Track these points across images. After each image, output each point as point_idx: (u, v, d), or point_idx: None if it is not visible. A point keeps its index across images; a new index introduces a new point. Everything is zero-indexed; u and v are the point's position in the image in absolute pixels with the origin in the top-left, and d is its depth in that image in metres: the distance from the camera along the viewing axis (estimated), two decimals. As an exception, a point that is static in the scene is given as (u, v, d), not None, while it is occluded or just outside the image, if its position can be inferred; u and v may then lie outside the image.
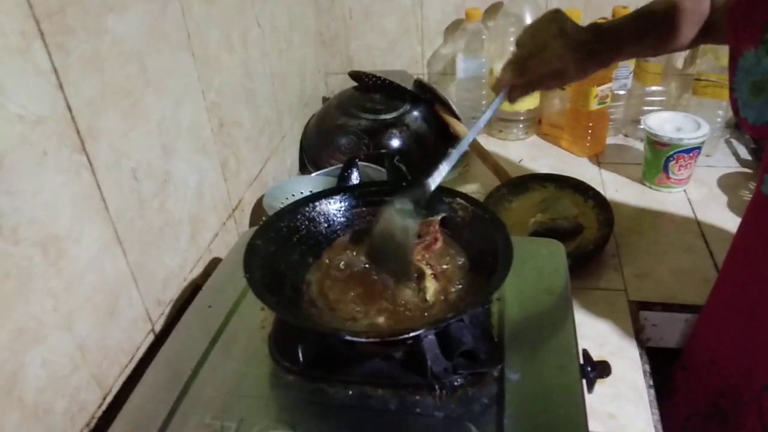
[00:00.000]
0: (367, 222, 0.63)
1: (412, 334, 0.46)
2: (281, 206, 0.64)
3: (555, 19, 0.68)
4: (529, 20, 1.11)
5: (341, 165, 0.72)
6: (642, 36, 0.69)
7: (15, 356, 0.47)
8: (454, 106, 1.11)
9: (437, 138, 1.12)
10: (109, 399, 0.59)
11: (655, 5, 0.69)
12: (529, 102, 1.17)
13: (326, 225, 0.63)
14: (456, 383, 0.50)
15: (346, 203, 0.64)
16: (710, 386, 0.69)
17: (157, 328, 0.68)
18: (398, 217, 0.55)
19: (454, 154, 0.61)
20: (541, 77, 0.69)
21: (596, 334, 0.74)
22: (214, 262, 0.80)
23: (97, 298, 0.57)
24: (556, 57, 0.67)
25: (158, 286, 0.68)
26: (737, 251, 0.64)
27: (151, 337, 0.66)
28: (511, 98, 0.70)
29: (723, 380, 0.67)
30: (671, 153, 0.97)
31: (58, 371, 0.52)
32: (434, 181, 0.60)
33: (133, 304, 0.63)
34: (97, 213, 0.57)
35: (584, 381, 0.57)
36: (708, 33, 0.68)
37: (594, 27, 0.69)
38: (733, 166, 1.08)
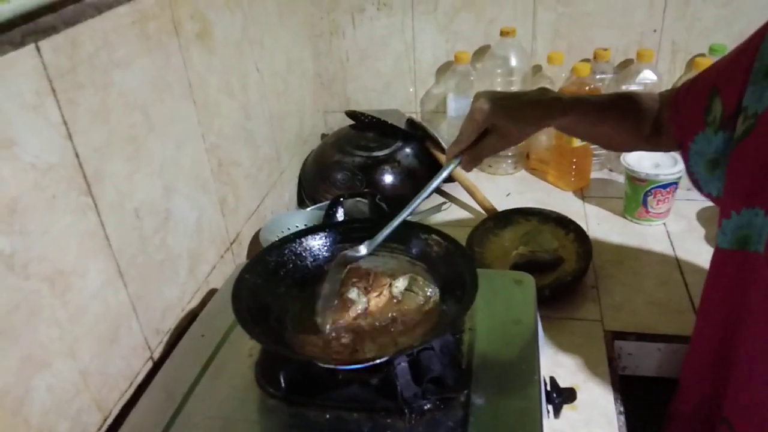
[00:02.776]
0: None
1: (378, 361, 0.50)
2: (277, 239, 0.69)
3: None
4: (514, 62, 1.17)
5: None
6: (601, 109, 0.69)
7: (22, 381, 0.52)
8: (443, 143, 1.17)
9: (427, 173, 1.17)
10: (109, 422, 0.63)
11: (615, 94, 0.72)
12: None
13: (311, 260, 0.68)
14: (425, 407, 0.54)
15: (330, 239, 0.69)
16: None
17: (156, 355, 0.72)
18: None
19: (397, 219, 0.64)
20: (482, 142, 0.67)
21: (571, 362, 0.78)
22: (212, 294, 0.85)
23: (100, 327, 0.62)
24: (481, 114, 0.65)
25: (157, 316, 0.73)
26: (706, 302, 0.66)
27: (150, 365, 0.71)
28: (464, 167, 0.69)
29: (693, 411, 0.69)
30: (649, 188, 1.02)
31: (61, 395, 0.57)
32: (368, 247, 0.65)
33: (132, 334, 0.68)
34: (101, 250, 0.62)
35: (550, 406, 0.61)
36: (657, 131, 0.70)
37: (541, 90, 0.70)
38: (713, 200, 1.12)
